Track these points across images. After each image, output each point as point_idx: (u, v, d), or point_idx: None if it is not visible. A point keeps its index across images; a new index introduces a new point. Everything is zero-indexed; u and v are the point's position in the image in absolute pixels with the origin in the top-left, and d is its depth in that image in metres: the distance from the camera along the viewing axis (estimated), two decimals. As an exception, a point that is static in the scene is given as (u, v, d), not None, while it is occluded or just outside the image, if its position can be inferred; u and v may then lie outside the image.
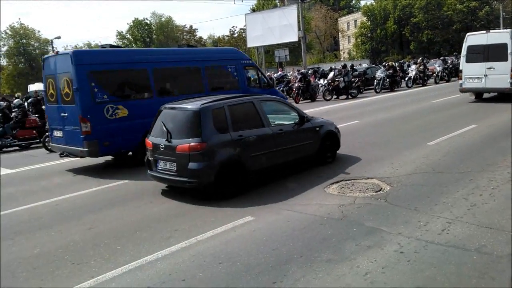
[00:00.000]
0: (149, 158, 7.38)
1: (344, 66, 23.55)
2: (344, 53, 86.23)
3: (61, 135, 10.03)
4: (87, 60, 9.41)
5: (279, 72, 29.28)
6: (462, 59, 16.05)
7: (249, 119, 7.39)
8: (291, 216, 5.66)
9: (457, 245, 4.40)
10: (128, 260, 4.66)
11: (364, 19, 75.60)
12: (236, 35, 72.14)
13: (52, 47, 59.87)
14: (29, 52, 67.24)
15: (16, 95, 24.95)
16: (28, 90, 37.86)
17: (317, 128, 8.36)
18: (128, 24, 78.32)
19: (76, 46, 77.71)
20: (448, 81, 28.22)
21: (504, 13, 55.86)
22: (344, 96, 22.64)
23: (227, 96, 7.90)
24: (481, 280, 3.70)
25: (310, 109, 19.05)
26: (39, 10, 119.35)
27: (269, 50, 53.05)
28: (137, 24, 74.13)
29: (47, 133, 13.15)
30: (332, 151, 8.70)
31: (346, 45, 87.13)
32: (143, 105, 9.77)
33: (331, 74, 23.35)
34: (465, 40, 15.90)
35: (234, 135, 6.93)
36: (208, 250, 4.75)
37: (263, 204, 6.27)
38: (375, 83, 24.71)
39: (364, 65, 36.29)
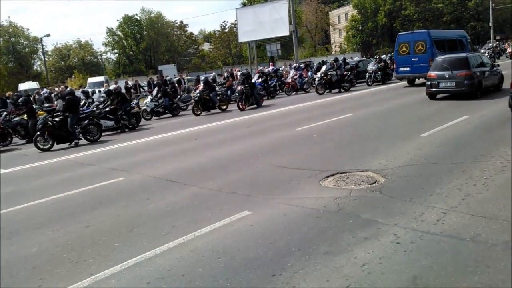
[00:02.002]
0: (432, 82, 15.24)
1: (336, 60, 23.53)
2: (335, 46, 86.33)
3: (409, 69, 21.88)
4: (431, 34, 21.93)
5: (271, 67, 29.22)
6: None
7: (480, 63, 15.55)
8: (288, 209, 5.69)
9: (452, 234, 4.46)
10: (126, 257, 4.67)
11: (355, 12, 75.60)
12: (227, 30, 71.92)
13: (42, 45, 59.41)
14: (18, 51, 66.54)
15: (6, 94, 24.71)
16: (19, 89, 37.54)
17: (498, 71, 16.42)
18: (118, 20, 77.56)
19: (66, 44, 77.18)
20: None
21: (493, 4, 56.09)
22: (337, 90, 22.68)
23: (470, 52, 18.49)
24: (477, 269, 3.76)
25: (302, 104, 19.07)
26: (27, 8, 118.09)
27: (260, 45, 52.97)
28: (127, 21, 73.43)
29: (38, 132, 13.17)
30: (501, 84, 16.31)
31: (337, 38, 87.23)
32: (442, 54, 18.02)
33: (323, 68, 23.34)
34: None
35: (478, 69, 14.99)
36: (207, 245, 4.77)
37: (259, 198, 6.31)
38: (367, 76, 24.79)
39: (356, 58, 36.36)
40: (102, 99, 16.66)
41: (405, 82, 23.33)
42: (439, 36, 23.27)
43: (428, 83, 15.47)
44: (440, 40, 22.69)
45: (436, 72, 15.14)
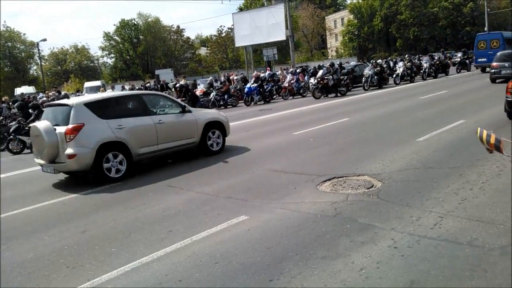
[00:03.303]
0: (495, 70, 20.53)
1: (332, 65, 23.58)
2: (331, 51, 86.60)
3: (485, 60, 27.59)
4: (503, 35, 30.12)
5: (268, 72, 29.26)
6: None
7: None
8: (285, 214, 5.69)
9: (449, 239, 4.47)
10: (123, 262, 4.65)
11: (351, 17, 75.99)
12: (223, 34, 71.98)
13: (38, 50, 59.36)
14: (14, 56, 66.42)
15: (3, 98, 24.67)
16: (15, 94, 37.46)
17: None
18: (115, 25, 77.55)
19: (62, 48, 77.11)
20: (435, 77, 28.47)
21: (488, 9, 56.44)
22: (333, 94, 22.75)
23: None
24: (474, 273, 3.77)
25: (298, 108, 19.10)
26: (24, 12, 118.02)
27: (257, 49, 53.03)
28: (124, 25, 73.42)
29: (11, 136, 13.59)
30: None
31: (333, 43, 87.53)
32: (510, 49, 23.96)
33: (320, 73, 23.41)
34: None
35: None
36: (204, 250, 4.76)
37: (256, 203, 6.30)
38: (363, 80, 24.87)
39: (352, 63, 36.47)
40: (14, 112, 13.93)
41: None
42: (507, 37, 30.47)
43: (492, 71, 21.16)
44: (508, 39, 29.89)
45: (498, 63, 20.83)
